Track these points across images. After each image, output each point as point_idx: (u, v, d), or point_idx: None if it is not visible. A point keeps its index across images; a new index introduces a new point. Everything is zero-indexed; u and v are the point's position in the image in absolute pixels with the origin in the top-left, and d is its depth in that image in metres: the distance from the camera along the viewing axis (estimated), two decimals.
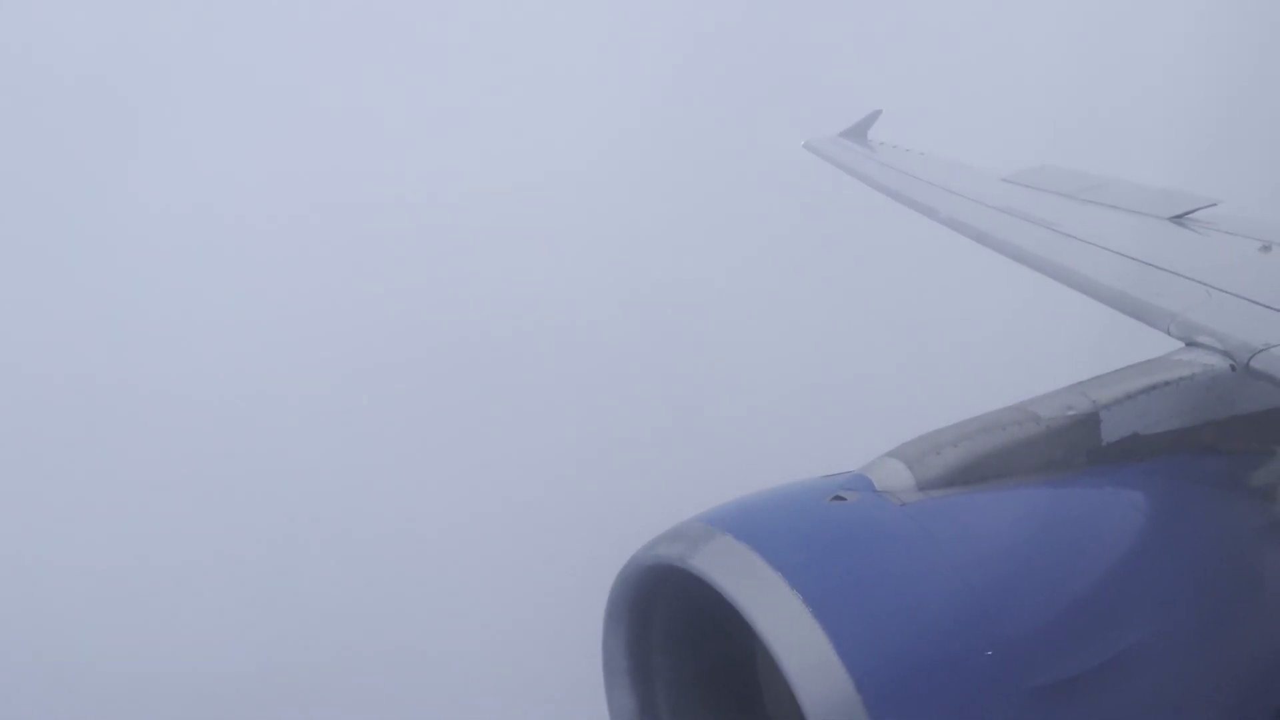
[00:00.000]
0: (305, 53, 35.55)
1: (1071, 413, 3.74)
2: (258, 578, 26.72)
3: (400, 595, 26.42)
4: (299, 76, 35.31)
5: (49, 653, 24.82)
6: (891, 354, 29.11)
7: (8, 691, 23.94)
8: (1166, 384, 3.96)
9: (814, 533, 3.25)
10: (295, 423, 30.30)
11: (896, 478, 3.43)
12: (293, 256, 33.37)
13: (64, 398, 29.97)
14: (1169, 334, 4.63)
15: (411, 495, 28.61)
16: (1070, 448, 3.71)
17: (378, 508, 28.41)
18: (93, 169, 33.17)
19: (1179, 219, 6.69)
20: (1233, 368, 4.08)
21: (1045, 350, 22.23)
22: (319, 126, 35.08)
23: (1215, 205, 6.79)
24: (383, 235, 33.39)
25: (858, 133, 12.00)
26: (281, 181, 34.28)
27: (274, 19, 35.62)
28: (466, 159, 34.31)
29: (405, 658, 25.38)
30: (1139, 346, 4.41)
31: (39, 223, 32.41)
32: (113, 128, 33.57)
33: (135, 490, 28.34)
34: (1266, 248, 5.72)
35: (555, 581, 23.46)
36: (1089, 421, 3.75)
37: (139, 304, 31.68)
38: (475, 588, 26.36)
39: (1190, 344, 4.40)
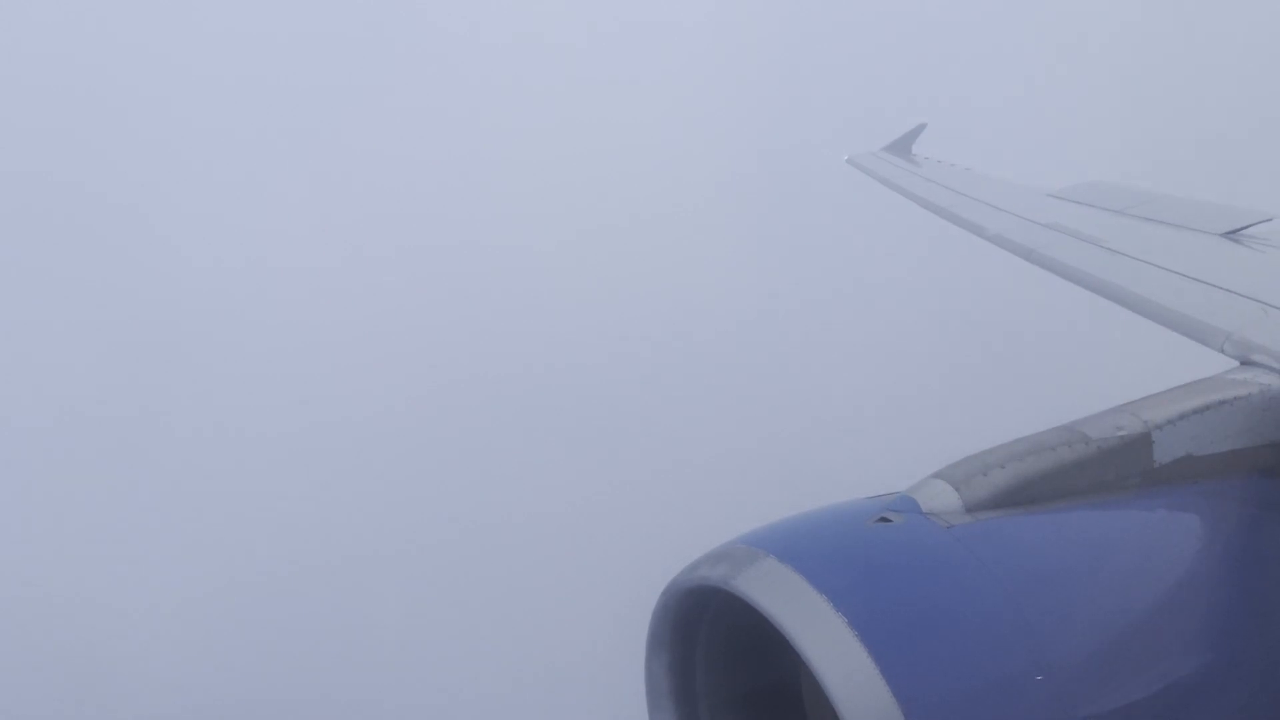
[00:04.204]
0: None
1: (1122, 433, 3.66)
2: (311, 602, 26.97)
3: (444, 618, 26.52)
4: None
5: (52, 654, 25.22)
6: (937, 373, 28.84)
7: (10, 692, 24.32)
8: (1221, 404, 3.86)
9: (859, 555, 3.21)
10: (354, 440, 30.63)
11: (943, 499, 3.38)
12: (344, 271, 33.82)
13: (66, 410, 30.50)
14: (1223, 352, 4.54)
15: (456, 518, 28.74)
16: (1121, 469, 3.63)
17: (421, 531, 28.58)
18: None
19: (1233, 234, 6.58)
20: None
21: (1095, 369, 21.93)
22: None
23: (1270, 220, 6.67)
24: (431, 260, 33.65)
25: (902, 147, 11.90)
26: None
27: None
28: (510, 176, 34.59)
29: (448, 679, 25.46)
30: (1192, 365, 4.32)
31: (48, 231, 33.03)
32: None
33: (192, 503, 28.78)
34: None
35: (597, 602, 23.45)
36: (1141, 442, 3.67)
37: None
38: (518, 609, 26.41)
39: (1245, 363, 4.31)
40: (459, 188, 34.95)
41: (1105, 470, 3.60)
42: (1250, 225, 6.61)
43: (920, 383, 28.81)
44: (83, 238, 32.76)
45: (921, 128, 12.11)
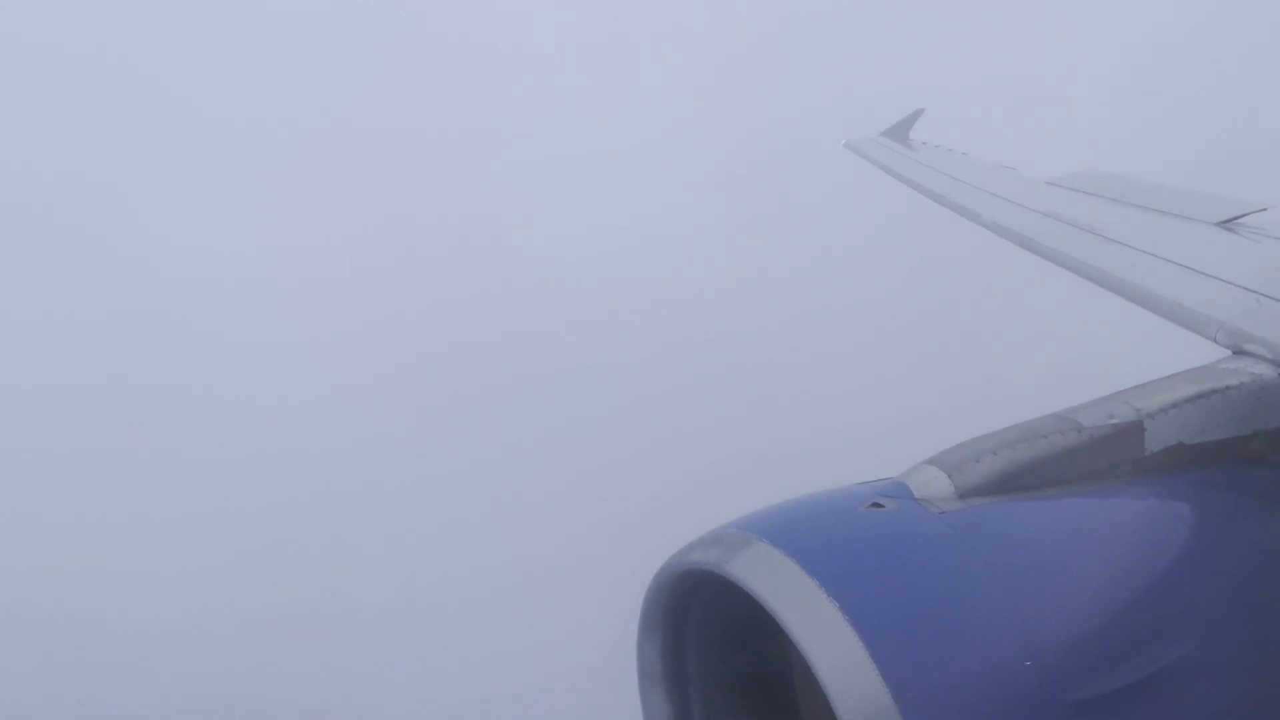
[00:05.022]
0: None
1: (1115, 421, 3.68)
2: (303, 585, 27.02)
3: (434, 602, 26.57)
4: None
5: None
6: (931, 360, 28.86)
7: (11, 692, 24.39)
8: (1213, 393, 3.88)
9: (851, 540, 3.22)
10: (340, 420, 30.63)
11: (936, 486, 3.39)
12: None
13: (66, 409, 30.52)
14: (1216, 342, 4.55)
15: (450, 503, 28.77)
16: (1113, 457, 3.64)
17: (415, 515, 28.62)
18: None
19: (1227, 224, 6.58)
20: None
21: (1088, 357, 21.96)
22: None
23: (1265, 210, 6.67)
24: (426, 258, 33.60)
25: (899, 132, 11.89)
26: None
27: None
28: (501, 163, 34.51)
29: (440, 663, 25.52)
30: (1185, 354, 4.33)
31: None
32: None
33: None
34: None
35: (590, 586, 23.51)
36: (1133, 431, 3.68)
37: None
38: (509, 592, 26.47)
39: (1238, 352, 4.32)
40: (452, 184, 34.85)
41: (1097, 458, 3.61)
42: (1245, 215, 6.62)
43: (914, 369, 28.84)
44: (76, 238, 32.79)
45: (919, 113, 12.10)
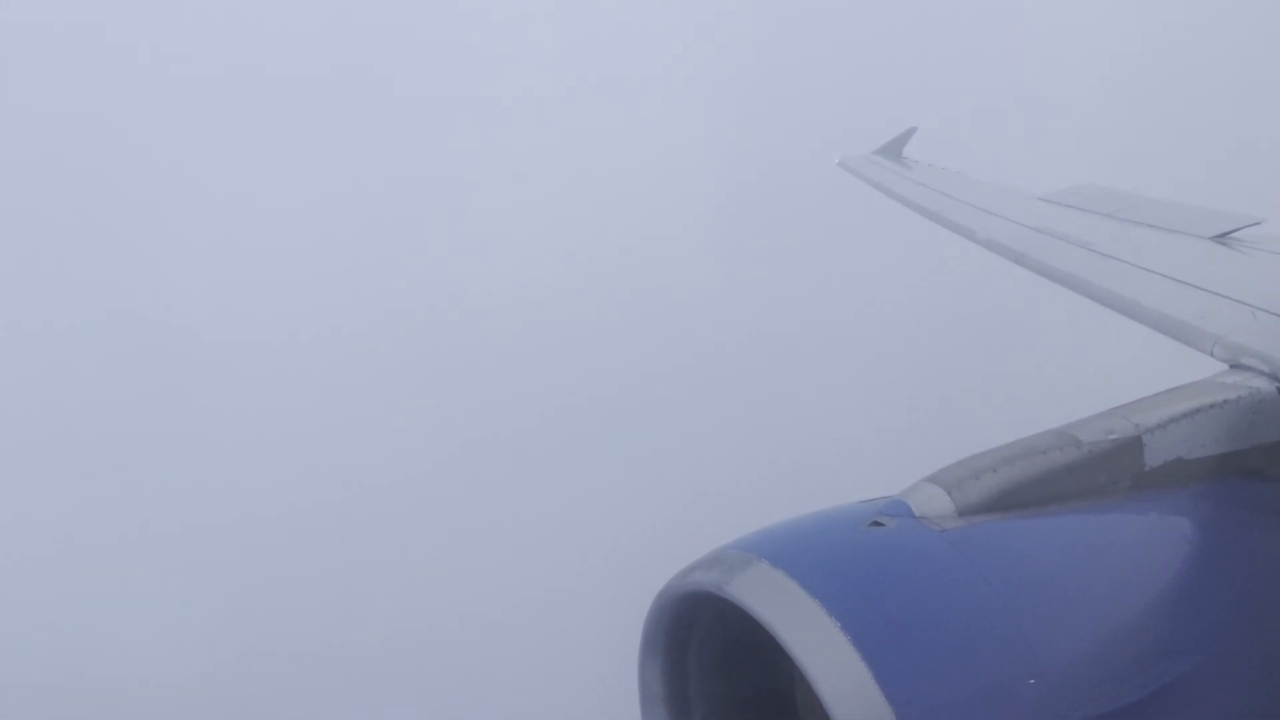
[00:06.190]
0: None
1: (1114, 437, 3.68)
2: (302, 603, 26.91)
3: (438, 621, 26.45)
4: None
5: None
6: (928, 377, 28.86)
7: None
8: (1211, 407, 3.88)
9: (852, 560, 3.22)
10: (337, 438, 30.60)
11: (935, 503, 3.39)
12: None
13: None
14: (1213, 356, 4.56)
15: (451, 521, 28.69)
16: (1113, 472, 3.64)
17: (416, 532, 28.53)
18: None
19: (1222, 238, 6.60)
20: None
21: (1086, 373, 21.97)
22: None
23: (1259, 224, 6.69)
24: (419, 265, 33.63)
25: (893, 150, 11.92)
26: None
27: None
28: (493, 181, 34.60)
29: (441, 683, 25.39)
30: (1182, 369, 4.34)
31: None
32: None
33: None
34: None
35: (591, 608, 23.42)
36: (1132, 446, 3.68)
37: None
38: (512, 613, 26.36)
39: (1235, 366, 4.33)
40: (449, 198, 34.91)
41: (1096, 473, 3.61)
42: (1240, 229, 6.64)
43: (912, 387, 28.83)
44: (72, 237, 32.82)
45: (912, 131, 12.13)
